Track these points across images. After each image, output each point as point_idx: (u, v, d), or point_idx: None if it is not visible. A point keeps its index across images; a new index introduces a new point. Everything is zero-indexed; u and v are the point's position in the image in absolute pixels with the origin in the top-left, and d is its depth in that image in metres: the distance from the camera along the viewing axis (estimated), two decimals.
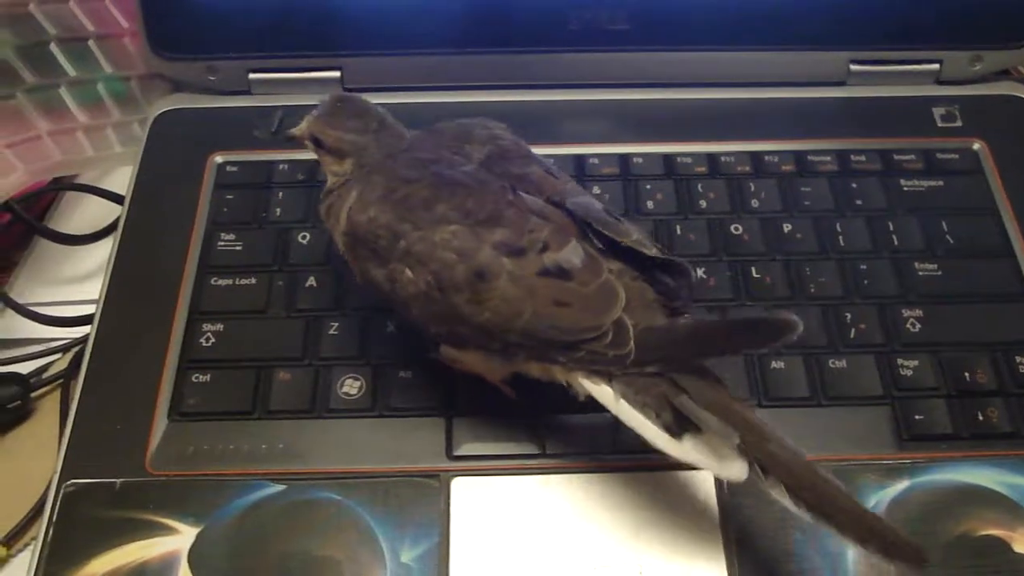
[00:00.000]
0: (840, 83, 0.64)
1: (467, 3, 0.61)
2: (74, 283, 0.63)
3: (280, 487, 0.48)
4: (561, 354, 0.44)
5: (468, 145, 0.48)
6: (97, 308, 0.54)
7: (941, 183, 0.59)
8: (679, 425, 0.42)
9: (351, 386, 0.51)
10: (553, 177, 0.48)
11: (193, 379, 0.52)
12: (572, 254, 0.44)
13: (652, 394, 0.42)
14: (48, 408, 0.57)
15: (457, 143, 0.48)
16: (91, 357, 0.53)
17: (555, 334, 0.43)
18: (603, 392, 0.43)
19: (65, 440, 0.50)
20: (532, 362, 0.46)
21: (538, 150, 0.59)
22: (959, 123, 0.62)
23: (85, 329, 0.55)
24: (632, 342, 0.42)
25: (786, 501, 0.40)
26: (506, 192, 0.45)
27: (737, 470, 0.40)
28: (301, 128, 0.49)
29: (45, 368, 0.59)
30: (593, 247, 0.45)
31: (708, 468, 0.41)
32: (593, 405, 0.44)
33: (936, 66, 0.63)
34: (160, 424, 0.50)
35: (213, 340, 0.53)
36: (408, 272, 0.45)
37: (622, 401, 0.43)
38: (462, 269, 0.44)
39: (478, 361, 0.48)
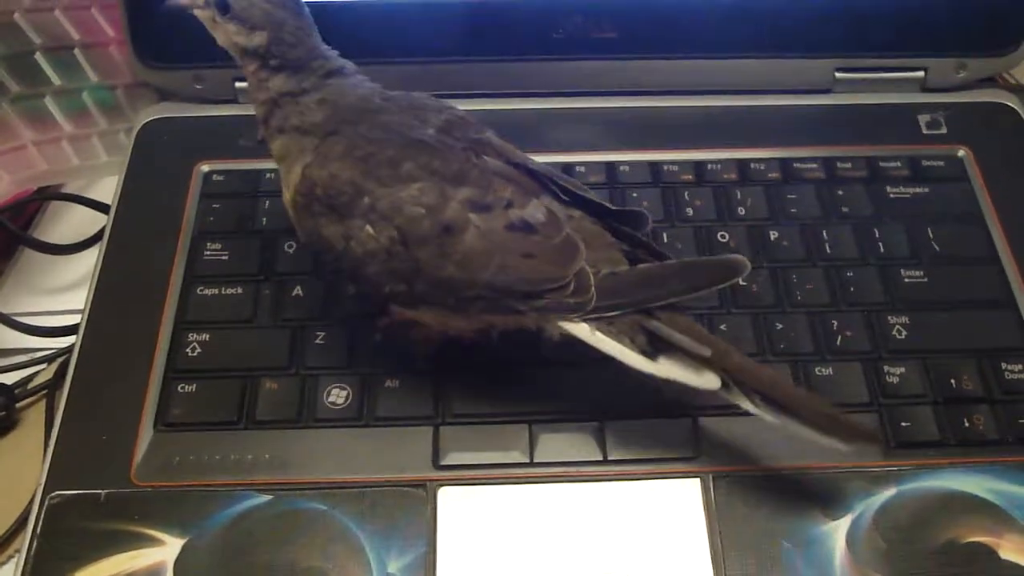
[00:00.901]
0: (826, 90, 0.64)
1: (453, 12, 0.61)
2: (59, 293, 0.63)
3: (266, 498, 0.48)
4: (522, 304, 0.45)
5: (425, 112, 0.48)
6: (82, 318, 0.54)
7: (927, 190, 0.59)
8: (653, 347, 0.45)
9: (338, 395, 0.51)
10: (509, 143, 0.49)
11: (179, 389, 0.51)
12: (535, 210, 0.46)
13: (626, 323, 0.45)
14: (33, 419, 0.57)
15: (413, 110, 0.48)
16: (76, 367, 0.52)
17: (521, 285, 0.45)
18: (578, 328, 0.46)
19: (50, 451, 0.49)
20: (488, 314, 0.47)
21: None
22: (944, 130, 0.63)
23: (70, 339, 0.55)
24: (593, 288, 0.45)
25: (755, 408, 0.44)
26: (469, 154, 0.47)
27: (711, 380, 0.44)
28: None
29: (30, 379, 0.59)
30: (556, 202, 0.47)
31: (685, 380, 0.45)
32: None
33: (921, 73, 0.64)
34: (145, 435, 0.50)
35: (199, 350, 0.53)
36: (369, 228, 0.45)
37: (597, 333, 0.45)
38: (429, 223, 0.45)
39: (431, 318, 0.48)
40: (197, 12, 0.47)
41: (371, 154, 0.46)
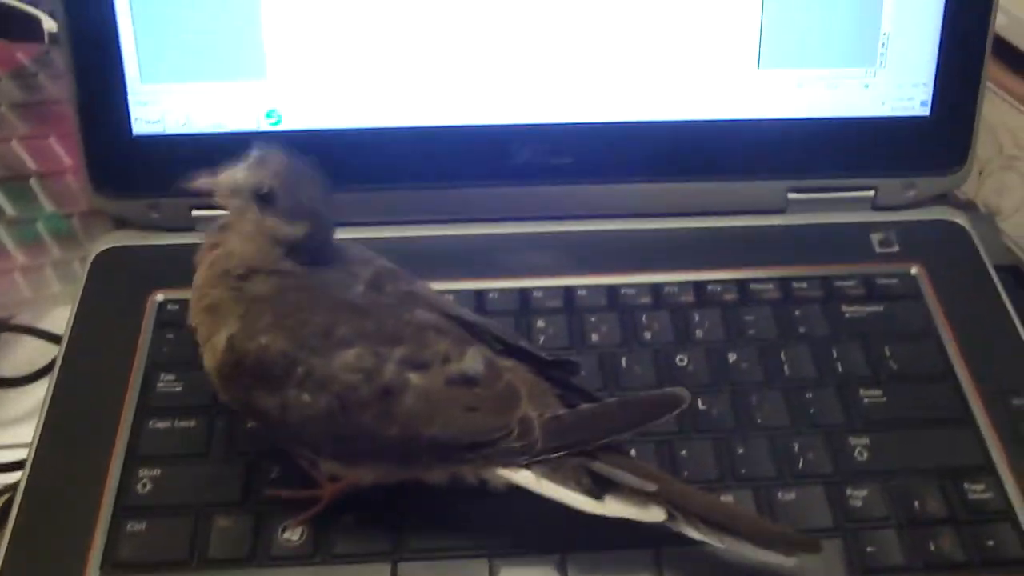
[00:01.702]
0: (780, 211, 0.65)
1: (407, 140, 0.61)
2: (6, 427, 0.61)
3: None
4: (469, 454, 0.45)
5: (351, 266, 0.48)
6: (29, 452, 0.53)
7: (881, 308, 0.60)
8: (599, 487, 0.46)
9: (293, 531, 0.50)
10: (436, 293, 0.49)
11: (128, 527, 0.50)
12: (474, 361, 0.46)
13: (569, 467, 0.46)
14: None
15: (340, 263, 0.48)
16: (21, 505, 0.50)
17: (466, 438, 0.45)
18: (523, 477, 0.46)
19: None
20: (436, 466, 0.47)
21: (480, 284, 0.60)
22: (896, 248, 0.64)
23: (16, 475, 0.53)
24: (538, 431, 0.45)
25: (700, 534, 0.45)
26: (402, 311, 0.46)
27: (657, 513, 0.45)
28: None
29: None
30: (490, 350, 0.48)
31: (632, 517, 0.45)
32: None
33: (871, 193, 0.65)
34: None
35: (150, 485, 0.51)
36: (306, 396, 0.44)
37: (544, 480, 0.46)
38: (367, 389, 0.44)
39: (370, 474, 0.48)
40: (223, 201, 0.46)
41: (302, 322, 0.45)
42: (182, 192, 0.47)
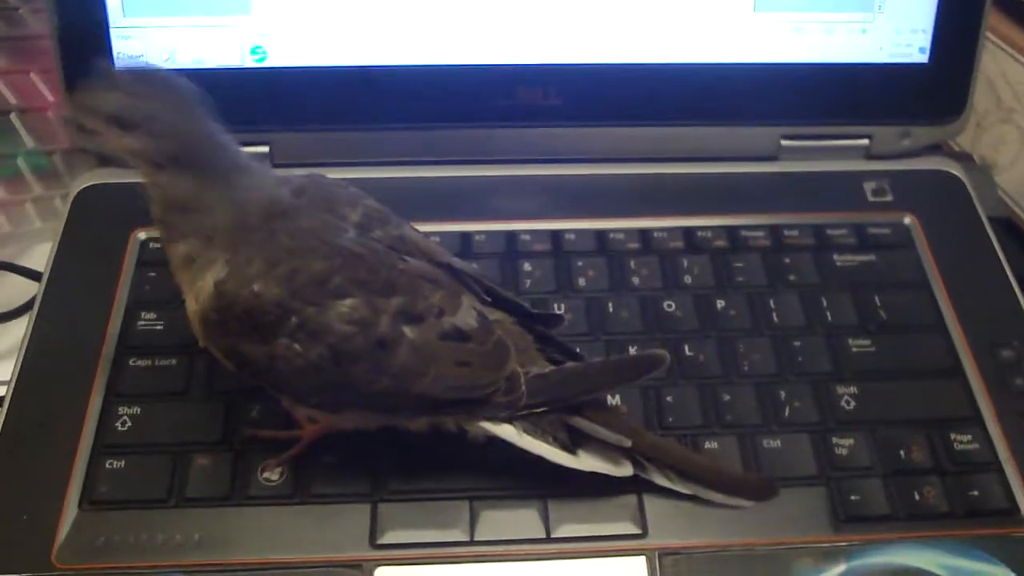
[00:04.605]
0: (772, 158, 0.64)
1: (397, 79, 0.60)
2: None
3: None
4: (455, 408, 0.46)
5: (340, 207, 0.46)
6: (8, 390, 0.52)
7: (873, 258, 0.59)
8: (574, 442, 0.47)
9: (272, 472, 0.49)
10: (424, 237, 0.49)
11: (107, 465, 0.49)
12: (467, 316, 0.46)
13: (548, 421, 0.47)
14: None
15: (329, 204, 0.46)
16: None
17: (455, 393, 0.45)
18: (504, 430, 0.46)
19: None
20: (421, 417, 0.47)
21: (469, 226, 0.59)
22: (890, 198, 0.63)
23: None
24: (523, 388, 0.46)
25: (669, 482, 0.48)
26: (394, 258, 0.46)
27: (626, 468, 0.47)
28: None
29: None
30: (480, 302, 0.48)
31: (604, 471, 0.47)
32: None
33: (866, 141, 0.64)
34: (70, 514, 0.48)
35: (130, 424, 0.51)
36: (297, 347, 0.43)
37: (524, 435, 0.46)
38: (362, 340, 0.43)
39: (351, 422, 0.48)
40: (93, 126, 0.43)
41: (295, 270, 0.43)
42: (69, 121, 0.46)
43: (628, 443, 0.47)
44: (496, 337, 0.47)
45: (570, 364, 0.48)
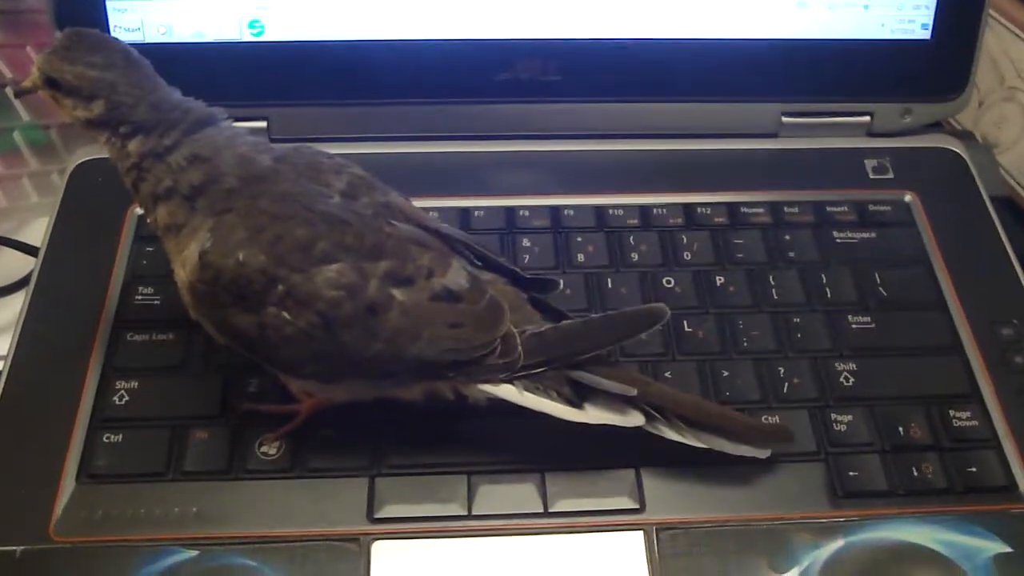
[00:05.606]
0: (772, 135, 0.64)
1: (396, 54, 0.60)
2: None
3: (192, 553, 0.46)
4: (450, 371, 0.45)
5: (324, 174, 0.46)
6: (5, 364, 0.52)
7: (873, 235, 0.59)
8: (579, 396, 0.46)
9: (270, 445, 0.49)
10: (411, 204, 0.48)
11: (104, 439, 0.49)
12: (457, 276, 0.46)
13: (550, 377, 0.46)
14: None
15: (313, 172, 0.46)
16: None
17: (450, 355, 0.45)
18: (504, 390, 0.46)
19: None
20: (415, 384, 0.46)
21: (468, 202, 0.59)
22: (891, 175, 0.63)
23: None
24: (520, 348, 0.45)
25: (680, 435, 0.46)
26: (381, 222, 0.45)
27: (636, 417, 0.46)
28: (32, 75, 0.44)
29: None
30: (471, 264, 0.47)
31: (613, 423, 0.46)
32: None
33: (867, 118, 0.64)
34: (67, 487, 0.48)
35: (127, 398, 0.51)
36: (286, 315, 0.43)
37: (526, 393, 0.46)
38: (351, 306, 0.43)
39: (345, 392, 0.47)
40: (41, 93, 0.45)
41: (279, 236, 0.43)
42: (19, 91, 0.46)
43: (633, 392, 0.45)
44: (489, 297, 0.46)
45: (566, 322, 0.47)
